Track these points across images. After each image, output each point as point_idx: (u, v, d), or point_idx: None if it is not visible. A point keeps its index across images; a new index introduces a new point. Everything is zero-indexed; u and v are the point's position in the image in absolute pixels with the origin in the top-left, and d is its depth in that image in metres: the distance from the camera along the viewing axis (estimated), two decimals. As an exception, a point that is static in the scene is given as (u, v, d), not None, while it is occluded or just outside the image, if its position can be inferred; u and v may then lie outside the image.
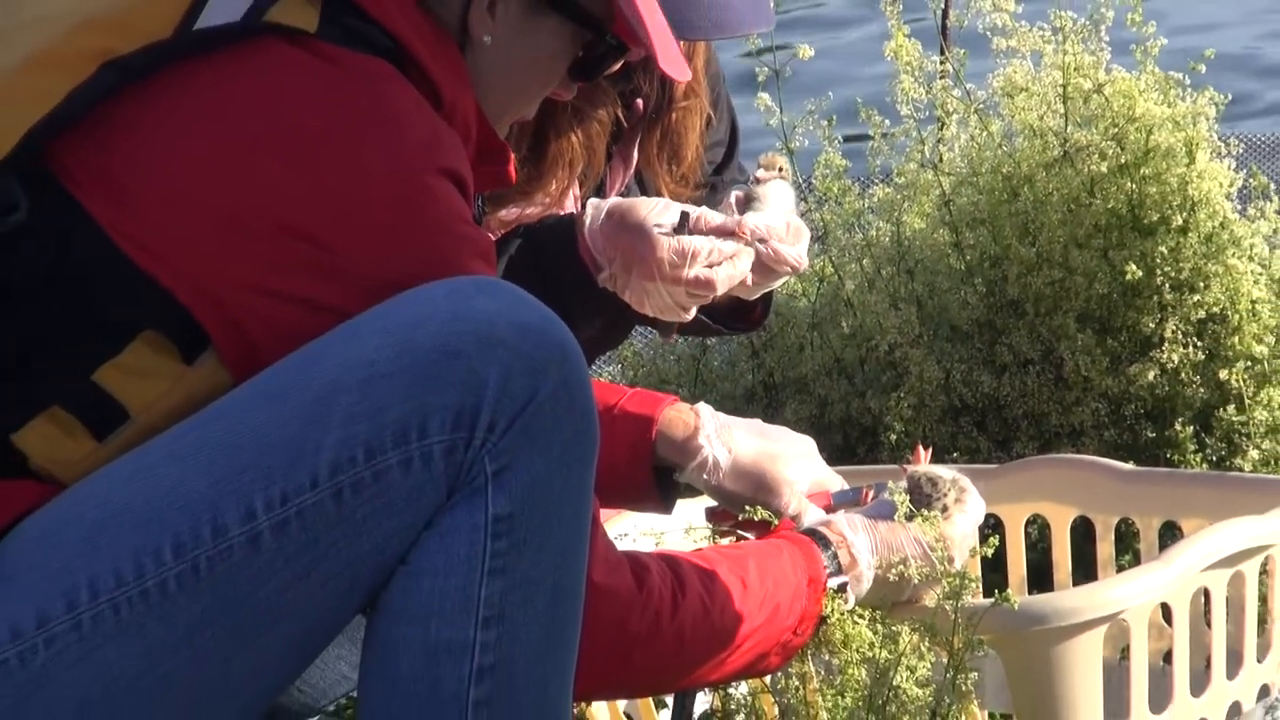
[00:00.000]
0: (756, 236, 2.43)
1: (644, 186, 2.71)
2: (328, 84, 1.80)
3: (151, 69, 1.77)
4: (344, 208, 1.77)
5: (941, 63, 3.18)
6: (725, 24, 2.36)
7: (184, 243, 1.75)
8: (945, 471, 2.25)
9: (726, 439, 2.24)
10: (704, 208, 2.45)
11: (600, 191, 2.67)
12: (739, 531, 2.25)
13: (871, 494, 2.26)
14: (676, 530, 2.40)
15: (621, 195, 2.66)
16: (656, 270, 2.40)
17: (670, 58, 1.99)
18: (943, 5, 3.64)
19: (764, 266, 2.46)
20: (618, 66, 2.09)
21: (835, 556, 2.10)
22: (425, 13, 1.89)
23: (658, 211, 2.43)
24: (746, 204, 2.49)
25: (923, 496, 2.22)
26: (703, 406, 2.26)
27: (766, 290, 2.53)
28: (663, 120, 2.66)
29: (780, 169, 2.56)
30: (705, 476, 2.23)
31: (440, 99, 1.87)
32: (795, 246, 2.46)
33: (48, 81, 1.76)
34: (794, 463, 2.25)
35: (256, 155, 1.77)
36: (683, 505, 2.38)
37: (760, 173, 2.55)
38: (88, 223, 1.75)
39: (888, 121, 3.18)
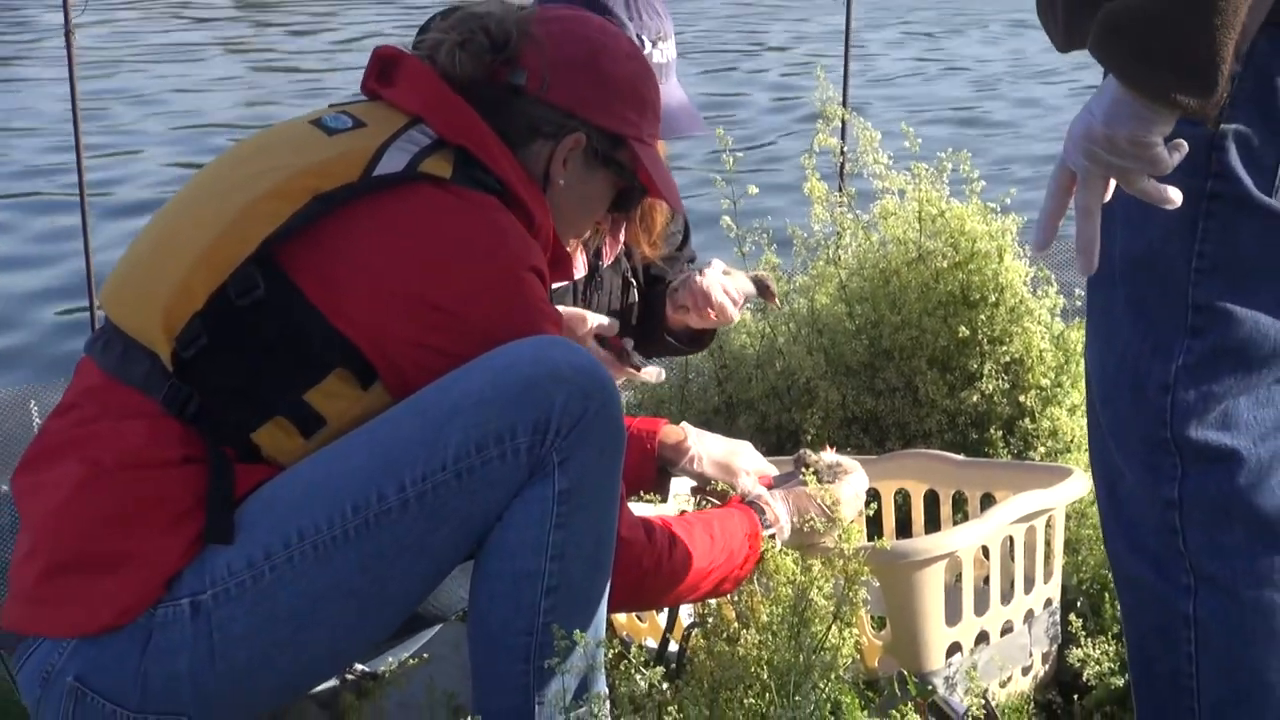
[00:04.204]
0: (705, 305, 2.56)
1: (629, 253, 2.74)
2: (458, 211, 1.81)
3: (344, 201, 1.78)
4: (468, 291, 1.78)
5: (840, 196, 3.18)
6: (673, 129, 2.42)
7: (365, 312, 1.76)
8: (848, 460, 2.26)
9: (705, 444, 2.25)
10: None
11: (599, 257, 2.69)
12: (710, 500, 2.24)
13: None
14: (668, 506, 2.41)
15: (613, 261, 2.70)
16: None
17: (675, 199, 2.03)
18: (841, 159, 3.65)
19: (703, 317, 2.57)
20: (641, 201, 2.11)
21: (766, 518, 2.10)
22: (522, 166, 1.90)
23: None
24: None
25: (825, 473, 2.22)
26: (686, 424, 2.27)
27: (709, 329, 2.62)
28: (640, 208, 2.68)
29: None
30: (693, 467, 2.24)
31: (532, 223, 1.88)
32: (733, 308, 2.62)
33: (277, 207, 1.77)
34: (747, 458, 2.25)
35: (412, 257, 1.78)
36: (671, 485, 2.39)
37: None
38: (302, 299, 1.76)
39: (805, 233, 3.18)
